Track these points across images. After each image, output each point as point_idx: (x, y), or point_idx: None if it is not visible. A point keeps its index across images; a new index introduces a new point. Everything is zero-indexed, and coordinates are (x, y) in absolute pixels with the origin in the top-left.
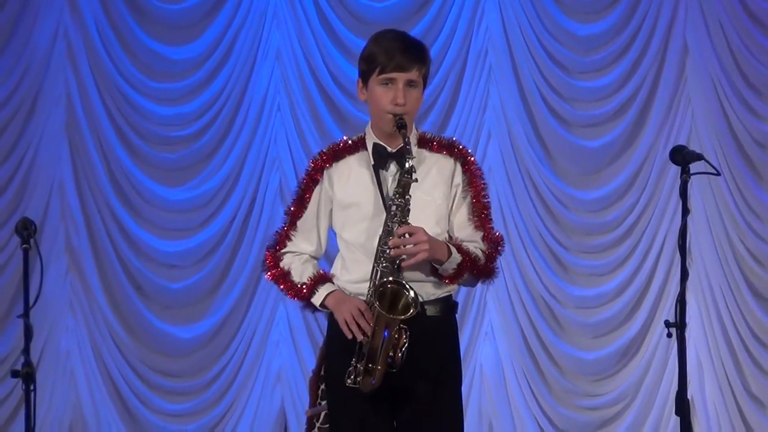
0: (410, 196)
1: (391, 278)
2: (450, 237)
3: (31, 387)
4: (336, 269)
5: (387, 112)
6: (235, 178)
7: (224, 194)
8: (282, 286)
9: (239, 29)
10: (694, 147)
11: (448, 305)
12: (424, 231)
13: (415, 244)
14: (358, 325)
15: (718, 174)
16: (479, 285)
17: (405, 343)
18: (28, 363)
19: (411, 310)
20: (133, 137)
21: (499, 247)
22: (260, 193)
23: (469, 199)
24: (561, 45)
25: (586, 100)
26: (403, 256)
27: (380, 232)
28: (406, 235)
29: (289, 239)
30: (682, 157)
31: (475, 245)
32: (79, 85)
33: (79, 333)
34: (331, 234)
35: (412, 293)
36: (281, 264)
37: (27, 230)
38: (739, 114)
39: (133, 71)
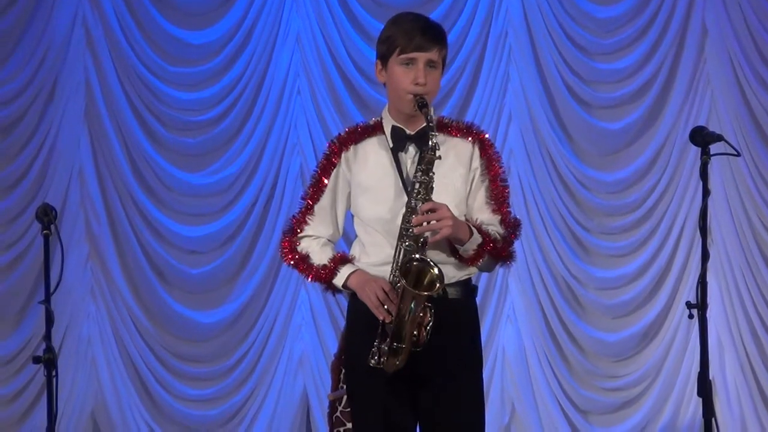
0: (434, 173)
1: (416, 255)
2: (467, 220)
3: (53, 373)
4: (355, 251)
5: (408, 93)
6: (256, 163)
7: (245, 179)
8: (302, 270)
9: (259, 13)
10: (713, 128)
11: (469, 288)
12: (448, 207)
13: (438, 220)
14: (383, 306)
15: (738, 155)
16: (497, 268)
17: (430, 321)
18: (49, 349)
19: (437, 286)
20: (153, 122)
21: (517, 231)
22: (281, 177)
23: (487, 182)
24: (580, 27)
25: (606, 81)
26: (427, 234)
27: (402, 213)
28: (430, 212)
29: (306, 223)
30: (702, 138)
31: (493, 228)
32: (99, 72)
33: (100, 319)
34: (348, 217)
35: (436, 270)
36: (299, 248)
37: (47, 216)
38: (759, 95)
39: (153, 56)
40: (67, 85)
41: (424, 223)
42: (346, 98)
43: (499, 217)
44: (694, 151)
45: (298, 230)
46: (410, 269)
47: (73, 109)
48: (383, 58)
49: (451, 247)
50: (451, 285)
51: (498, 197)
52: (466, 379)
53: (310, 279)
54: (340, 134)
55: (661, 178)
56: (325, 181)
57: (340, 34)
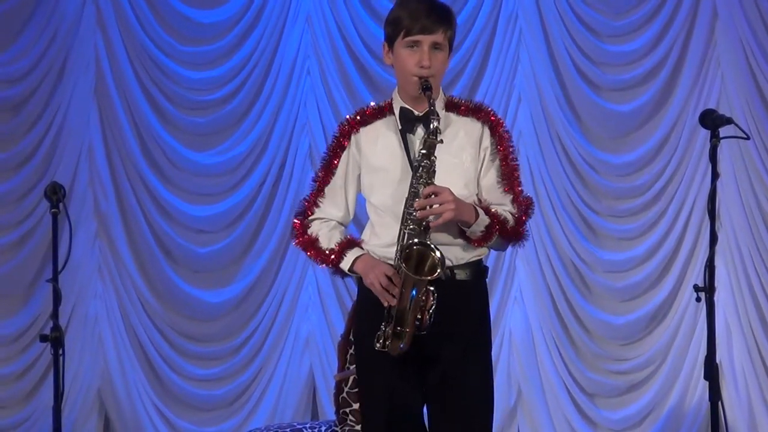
0: (435, 157)
1: (416, 240)
2: (479, 200)
3: (60, 352)
4: (366, 234)
5: (413, 75)
6: (265, 143)
7: (254, 159)
8: (310, 253)
9: None
10: (723, 111)
11: (479, 269)
12: (450, 191)
13: (440, 204)
14: (387, 291)
15: (748, 138)
16: (510, 248)
17: (433, 304)
18: (56, 327)
19: (437, 271)
20: (163, 101)
21: (529, 210)
22: (290, 157)
23: (497, 162)
24: (591, 8)
25: (616, 63)
26: (430, 218)
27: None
28: (432, 196)
29: (317, 206)
30: (711, 121)
31: (505, 208)
32: (108, 50)
33: (107, 298)
34: (361, 201)
35: (438, 254)
36: (309, 231)
37: (56, 194)
38: None
39: (163, 35)
40: (77, 64)
41: (426, 207)
42: (355, 78)
43: (511, 197)
44: (704, 134)
45: (309, 212)
46: (411, 254)
47: (83, 88)
48: (389, 40)
49: (459, 228)
50: (459, 266)
51: (509, 176)
52: (474, 361)
53: (318, 263)
54: (349, 116)
55: (671, 160)
56: (336, 162)
57: (350, 14)
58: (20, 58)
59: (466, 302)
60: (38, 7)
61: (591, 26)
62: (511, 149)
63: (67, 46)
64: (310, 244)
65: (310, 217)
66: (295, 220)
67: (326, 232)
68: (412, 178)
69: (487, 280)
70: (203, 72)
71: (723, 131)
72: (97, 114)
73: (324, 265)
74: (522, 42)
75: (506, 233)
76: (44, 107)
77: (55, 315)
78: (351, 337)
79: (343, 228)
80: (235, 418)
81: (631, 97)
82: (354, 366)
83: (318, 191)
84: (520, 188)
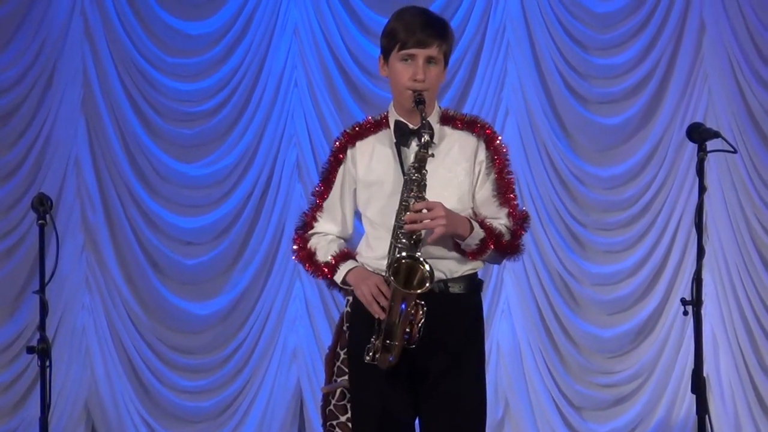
0: (427, 171)
1: (405, 254)
2: (474, 214)
3: (47, 363)
4: (361, 246)
5: (406, 88)
6: (252, 155)
7: (241, 170)
8: (308, 267)
9: (257, 4)
10: (710, 124)
11: (473, 283)
12: (442, 206)
13: (432, 219)
14: (378, 303)
15: (735, 152)
16: (505, 261)
17: (422, 318)
18: (43, 339)
19: (426, 284)
20: (150, 113)
21: (525, 224)
22: (277, 169)
23: (493, 176)
24: (578, 22)
25: (603, 77)
26: (421, 232)
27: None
28: (424, 210)
29: (316, 220)
30: (698, 134)
31: (500, 222)
32: (96, 61)
33: (94, 309)
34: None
35: (427, 267)
36: (308, 245)
37: (43, 206)
38: (756, 92)
39: (150, 47)
40: (65, 75)
41: (418, 221)
42: (342, 90)
43: (507, 210)
44: (691, 148)
45: (309, 227)
46: (400, 268)
47: (70, 99)
48: (385, 52)
49: (453, 241)
50: (453, 280)
51: (504, 190)
52: (466, 374)
53: (315, 276)
54: (346, 130)
55: (658, 174)
56: (333, 177)
57: (337, 26)
58: (9, 68)
59: (459, 315)
60: (27, 17)
61: (578, 39)
62: (506, 163)
63: (55, 57)
64: (308, 258)
65: (309, 232)
66: (295, 235)
67: (324, 246)
68: (403, 191)
69: (481, 293)
70: (191, 84)
71: (710, 145)
72: (85, 125)
73: (320, 278)
74: (510, 54)
75: (501, 247)
76: (31, 118)
77: (42, 326)
78: (338, 349)
79: (342, 241)
80: (222, 430)
81: (619, 110)
82: (341, 378)
83: (317, 206)
84: (515, 202)
